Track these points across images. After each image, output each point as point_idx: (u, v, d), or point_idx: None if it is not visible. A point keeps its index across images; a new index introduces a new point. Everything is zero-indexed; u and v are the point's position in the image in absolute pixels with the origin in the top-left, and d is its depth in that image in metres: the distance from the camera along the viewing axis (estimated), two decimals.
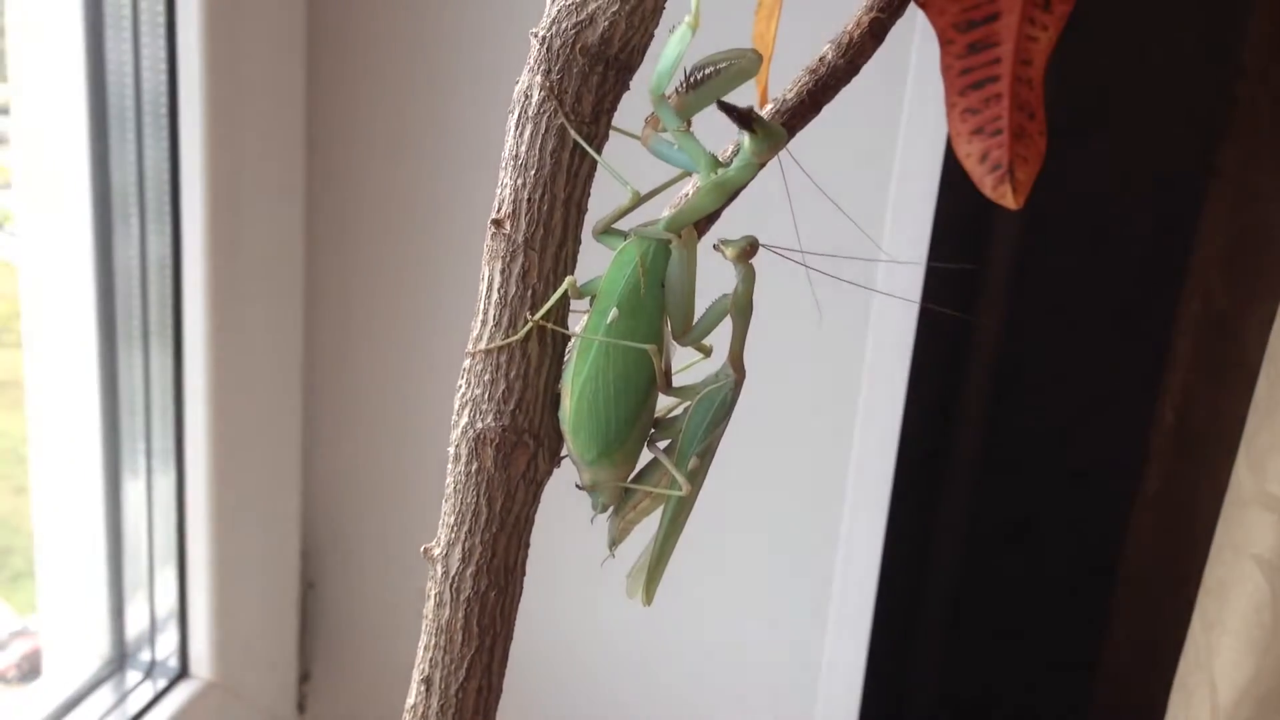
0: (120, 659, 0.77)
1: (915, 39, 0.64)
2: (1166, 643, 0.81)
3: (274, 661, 0.83)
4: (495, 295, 0.36)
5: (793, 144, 0.39)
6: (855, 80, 0.39)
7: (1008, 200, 0.51)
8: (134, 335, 0.71)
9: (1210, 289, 0.82)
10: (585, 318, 0.36)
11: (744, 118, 0.34)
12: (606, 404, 0.36)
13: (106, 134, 0.67)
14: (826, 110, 0.39)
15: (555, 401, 0.37)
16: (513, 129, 0.35)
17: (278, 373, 0.77)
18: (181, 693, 0.77)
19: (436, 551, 0.38)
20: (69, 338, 0.71)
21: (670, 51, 0.34)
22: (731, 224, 0.38)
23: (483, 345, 0.36)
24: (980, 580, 0.95)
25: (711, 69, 0.34)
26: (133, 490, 0.74)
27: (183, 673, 0.78)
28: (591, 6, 0.34)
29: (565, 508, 0.42)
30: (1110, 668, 0.92)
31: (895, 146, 0.67)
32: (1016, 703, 0.98)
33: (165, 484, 0.74)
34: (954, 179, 0.65)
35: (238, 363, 0.73)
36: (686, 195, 0.37)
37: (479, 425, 0.37)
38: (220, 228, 0.70)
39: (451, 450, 0.37)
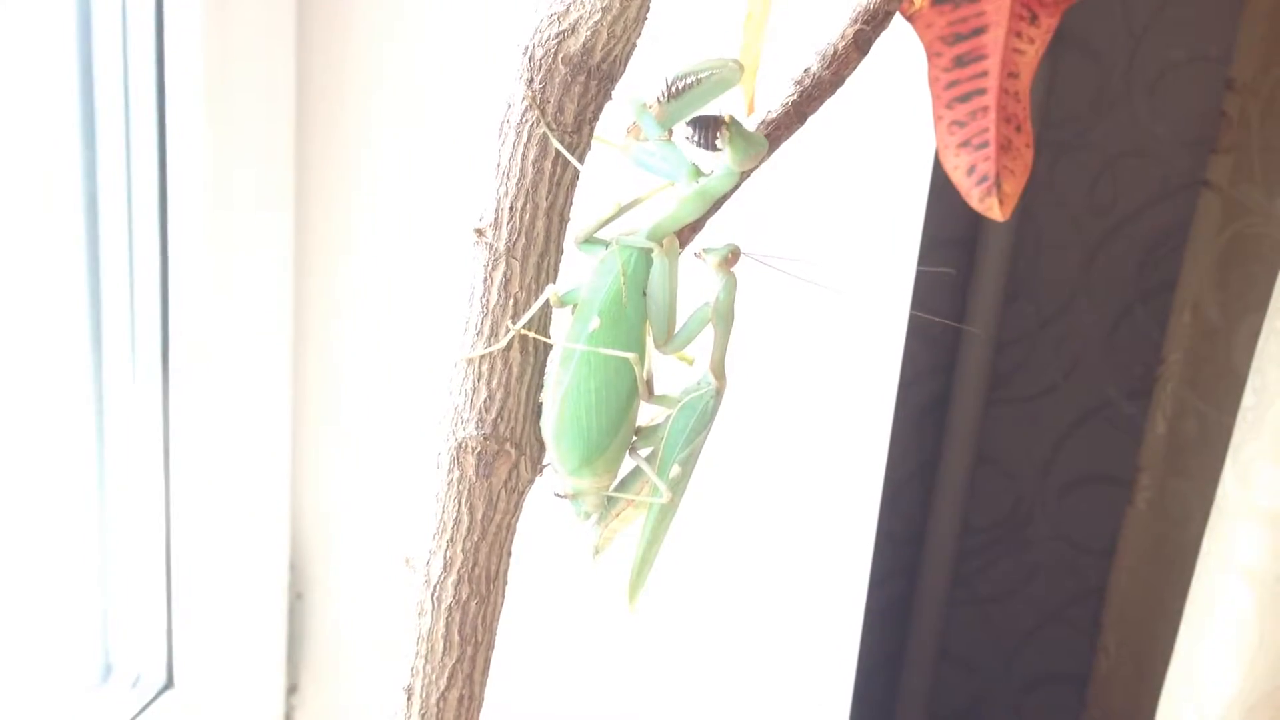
0: (106, 670, 0.77)
1: (904, 52, 0.65)
2: (1154, 654, 0.81)
3: (261, 673, 0.82)
4: (477, 304, 0.36)
5: (780, 156, 0.39)
6: (844, 92, 0.40)
7: (994, 212, 0.52)
8: (121, 345, 0.71)
9: (1201, 300, 0.82)
10: (567, 326, 0.37)
11: (712, 133, 0.34)
12: (588, 412, 0.36)
13: (94, 135, 0.67)
14: (815, 123, 0.39)
15: (537, 410, 0.37)
16: (496, 138, 0.36)
17: (265, 382, 0.77)
18: (167, 704, 0.77)
19: (417, 560, 0.38)
20: (53, 345, 0.71)
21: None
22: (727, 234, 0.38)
23: (464, 354, 0.36)
24: (969, 591, 0.95)
25: (693, 78, 0.34)
26: (119, 500, 0.74)
27: (169, 684, 0.78)
28: (574, 16, 0.34)
29: (549, 515, 0.42)
30: (1099, 679, 0.92)
31: (883, 158, 0.67)
32: (1005, 713, 0.98)
33: (152, 494, 0.74)
34: (942, 191, 0.66)
35: (225, 372, 0.73)
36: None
37: (460, 434, 0.37)
38: (209, 239, 0.70)
39: (434, 459, 0.37)
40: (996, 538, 0.94)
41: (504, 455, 0.37)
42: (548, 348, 0.37)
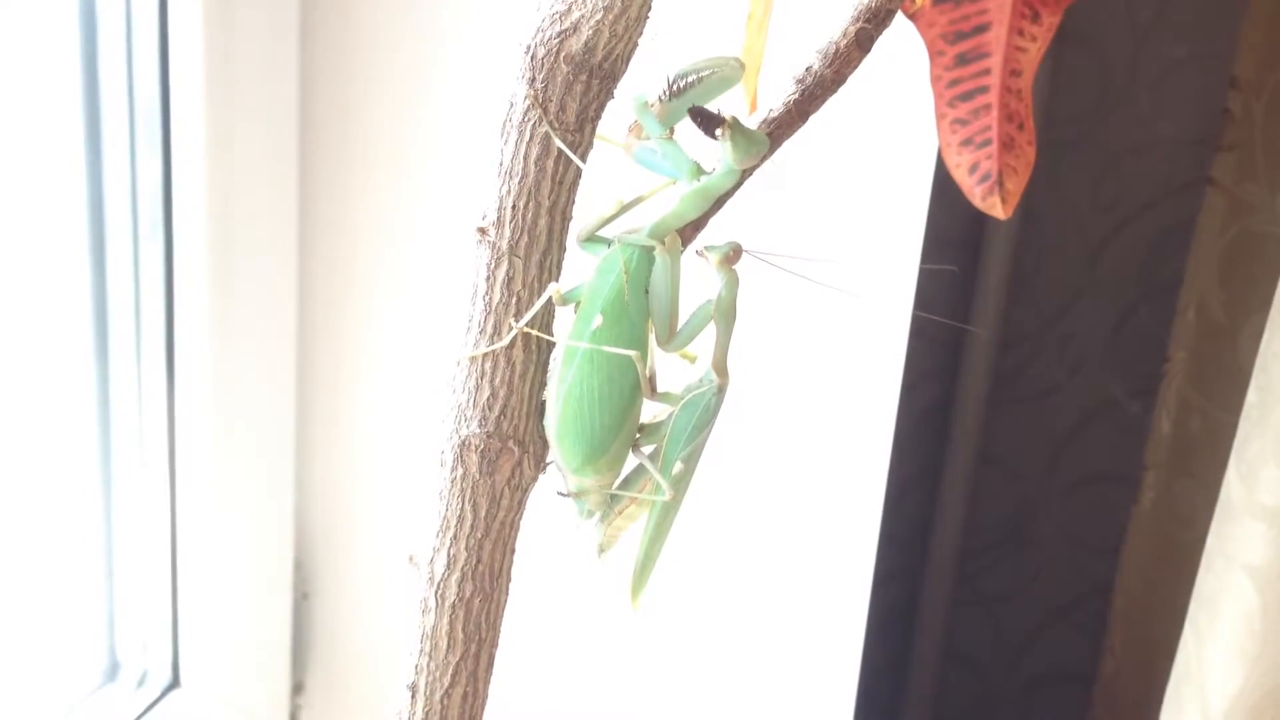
0: (112, 669, 0.77)
1: (906, 50, 0.65)
2: (1159, 652, 0.81)
3: (266, 672, 0.83)
4: (480, 302, 0.36)
5: (782, 155, 0.39)
6: (845, 91, 0.40)
7: (997, 210, 0.52)
8: (127, 345, 0.72)
9: (1205, 298, 0.82)
10: (570, 324, 0.37)
11: (713, 123, 0.34)
12: (591, 410, 0.36)
13: (100, 137, 0.67)
14: (817, 122, 0.40)
15: (540, 408, 0.37)
16: (498, 137, 0.36)
17: (271, 382, 0.77)
18: (173, 704, 0.77)
19: (421, 558, 0.38)
20: (61, 347, 0.71)
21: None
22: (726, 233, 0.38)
23: (468, 352, 0.36)
24: (974, 591, 0.95)
25: (694, 76, 0.34)
26: (125, 499, 0.74)
27: (174, 683, 0.78)
28: (575, 15, 0.34)
29: (553, 513, 0.42)
30: (1105, 678, 0.92)
31: (886, 157, 0.67)
32: (1011, 713, 0.98)
33: (158, 493, 0.74)
34: (945, 190, 0.66)
35: (230, 372, 0.74)
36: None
37: (464, 431, 0.37)
38: (214, 240, 0.70)
39: (437, 456, 0.37)
40: (1001, 537, 0.94)
41: (507, 453, 0.37)
42: (550, 346, 0.37)
